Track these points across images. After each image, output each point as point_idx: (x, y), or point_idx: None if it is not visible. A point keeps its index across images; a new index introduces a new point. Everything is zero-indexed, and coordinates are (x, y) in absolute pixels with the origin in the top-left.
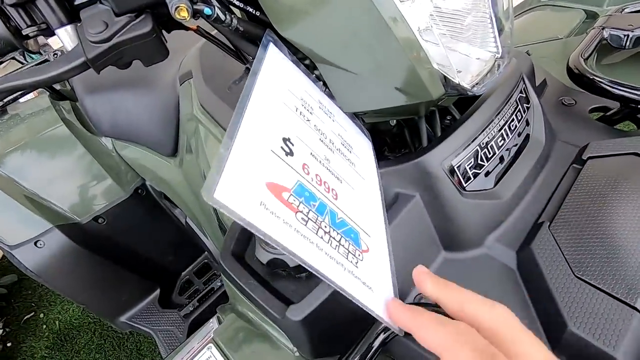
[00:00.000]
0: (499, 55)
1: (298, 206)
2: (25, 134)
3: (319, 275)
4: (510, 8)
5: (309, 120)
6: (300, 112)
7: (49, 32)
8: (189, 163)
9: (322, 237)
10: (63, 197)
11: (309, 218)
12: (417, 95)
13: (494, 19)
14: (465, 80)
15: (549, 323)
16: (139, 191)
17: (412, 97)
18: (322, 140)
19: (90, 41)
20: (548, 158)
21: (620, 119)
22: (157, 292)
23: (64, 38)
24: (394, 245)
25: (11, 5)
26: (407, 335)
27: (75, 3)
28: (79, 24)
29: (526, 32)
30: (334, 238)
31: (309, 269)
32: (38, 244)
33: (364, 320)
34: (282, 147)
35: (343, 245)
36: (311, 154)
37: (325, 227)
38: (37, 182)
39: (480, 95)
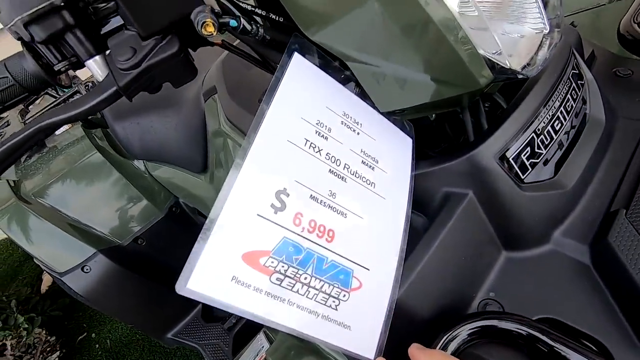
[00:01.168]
0: (547, 31)
1: (276, 267)
2: (64, 165)
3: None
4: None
5: (320, 151)
6: (311, 144)
7: (79, 65)
8: (220, 177)
9: (297, 291)
10: (103, 221)
11: (286, 276)
12: (461, 84)
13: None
14: (513, 62)
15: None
16: (174, 209)
17: (455, 88)
18: (331, 171)
19: (120, 69)
20: (611, 137)
21: None
22: (200, 306)
23: (94, 69)
24: (450, 251)
25: (41, 43)
26: None
27: (102, 32)
28: (107, 53)
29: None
30: (313, 287)
31: (273, 326)
32: (85, 269)
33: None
34: (272, 205)
35: (324, 292)
36: (311, 196)
37: (306, 278)
38: (78, 209)
39: (529, 78)
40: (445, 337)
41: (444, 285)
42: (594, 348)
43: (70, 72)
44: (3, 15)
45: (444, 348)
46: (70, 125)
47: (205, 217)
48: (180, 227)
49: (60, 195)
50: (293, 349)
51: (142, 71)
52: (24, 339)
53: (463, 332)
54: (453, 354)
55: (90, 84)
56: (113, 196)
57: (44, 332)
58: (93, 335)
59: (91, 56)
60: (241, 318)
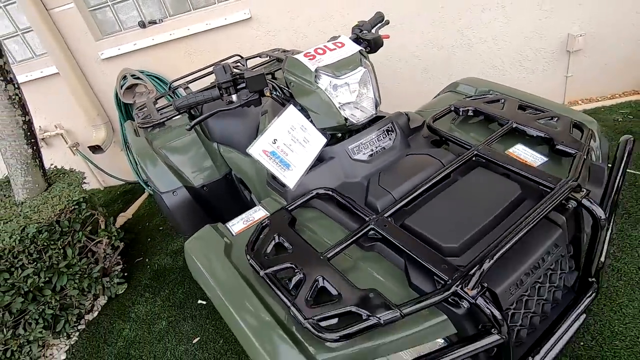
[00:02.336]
0: (374, 113)
1: (270, 152)
2: (175, 136)
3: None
4: (377, 96)
5: (291, 131)
6: (290, 128)
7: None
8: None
9: (275, 159)
10: (188, 171)
11: (272, 157)
12: (339, 125)
13: (373, 99)
14: (354, 120)
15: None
16: (227, 176)
17: (338, 126)
18: (292, 140)
19: (242, 99)
20: (399, 158)
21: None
22: None
23: (235, 98)
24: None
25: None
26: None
27: (237, 87)
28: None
29: (433, 103)
30: (280, 162)
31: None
32: (174, 193)
33: None
34: (269, 142)
35: (281, 165)
36: (284, 143)
37: (278, 161)
38: (177, 161)
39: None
40: None
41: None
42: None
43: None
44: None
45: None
46: (181, 117)
47: (245, 185)
48: (228, 188)
49: (170, 152)
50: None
51: (247, 102)
52: (112, 242)
53: None
54: None
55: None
56: (196, 159)
57: (115, 252)
58: (146, 260)
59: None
60: None
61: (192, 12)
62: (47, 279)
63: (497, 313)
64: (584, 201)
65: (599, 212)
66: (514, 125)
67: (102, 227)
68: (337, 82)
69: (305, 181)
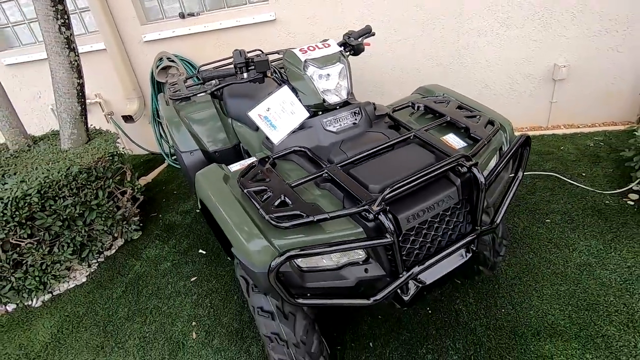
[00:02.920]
0: (346, 99)
1: (263, 116)
2: (198, 109)
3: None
4: (349, 86)
5: (282, 104)
6: (282, 102)
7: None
8: (261, 133)
9: (266, 120)
10: (205, 138)
11: (265, 119)
12: (319, 104)
13: (347, 88)
14: (330, 101)
15: None
16: (236, 146)
17: (318, 104)
18: (282, 110)
19: (250, 76)
20: (361, 133)
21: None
22: None
23: (245, 75)
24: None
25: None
26: None
27: (248, 68)
28: (248, 73)
29: (401, 100)
30: (269, 122)
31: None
32: (191, 154)
33: None
34: (267, 109)
35: (271, 124)
36: (275, 111)
37: (267, 123)
38: (198, 129)
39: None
40: None
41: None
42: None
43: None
44: None
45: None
46: (205, 93)
47: (250, 155)
48: (236, 156)
49: (192, 121)
50: None
51: (254, 80)
52: (134, 193)
53: None
54: None
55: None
56: (213, 130)
57: (136, 203)
58: (160, 215)
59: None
60: None
61: (225, 9)
62: (80, 212)
63: (390, 225)
64: (473, 169)
65: (481, 178)
66: (449, 118)
67: (128, 179)
68: (321, 72)
69: (287, 141)
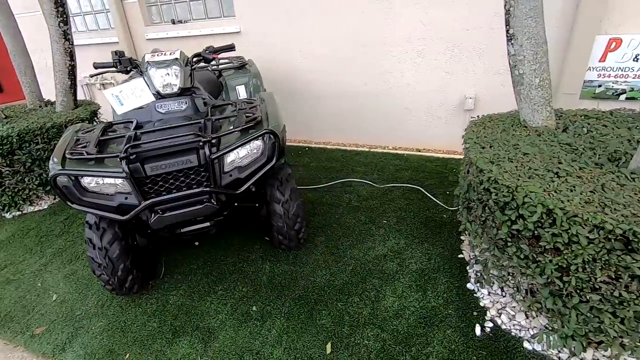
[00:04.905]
0: (177, 91)
1: (116, 95)
2: None
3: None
4: (181, 83)
5: (133, 90)
6: (134, 88)
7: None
8: None
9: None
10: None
11: (120, 98)
12: (157, 93)
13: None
14: (167, 93)
15: None
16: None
17: (156, 94)
18: (132, 93)
19: (119, 68)
20: (184, 118)
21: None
22: None
23: (119, 67)
24: None
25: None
26: None
27: (121, 62)
28: (120, 65)
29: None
30: (118, 102)
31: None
32: None
33: None
34: (120, 91)
35: (118, 103)
36: (125, 94)
37: (117, 100)
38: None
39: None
40: None
41: None
42: None
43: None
44: None
45: None
46: None
47: None
48: None
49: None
50: None
51: (120, 70)
52: None
53: None
54: None
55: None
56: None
57: None
58: None
59: (120, 65)
60: None
61: (205, 20)
62: (48, 156)
63: (126, 168)
64: (205, 147)
65: (208, 153)
66: (236, 114)
67: None
68: (157, 71)
69: (129, 114)
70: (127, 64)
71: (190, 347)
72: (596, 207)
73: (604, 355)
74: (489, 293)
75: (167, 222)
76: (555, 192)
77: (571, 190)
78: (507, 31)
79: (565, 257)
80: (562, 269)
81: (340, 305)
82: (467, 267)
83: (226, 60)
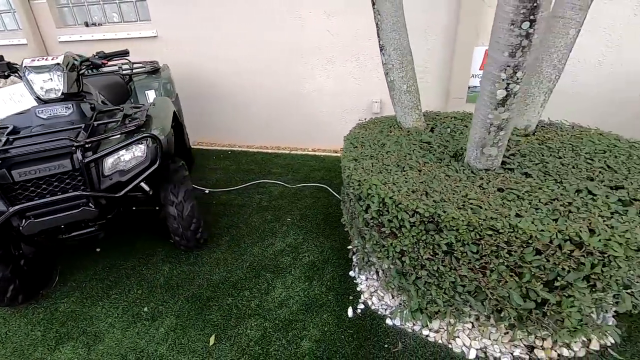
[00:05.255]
0: (61, 96)
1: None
2: None
3: None
4: (65, 87)
5: (12, 95)
6: (13, 93)
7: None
8: None
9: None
10: None
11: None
12: (37, 98)
13: (61, 89)
14: (49, 97)
15: None
16: None
17: (37, 98)
18: (11, 98)
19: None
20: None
21: None
22: None
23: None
24: None
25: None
26: None
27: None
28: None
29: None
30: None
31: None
32: None
33: None
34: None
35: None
36: (2, 98)
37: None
38: None
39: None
40: None
41: None
42: None
43: None
44: None
45: None
46: None
47: None
48: None
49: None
50: None
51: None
52: None
53: None
54: None
55: None
56: None
57: None
58: None
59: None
60: None
61: (121, 23)
62: None
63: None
64: (77, 152)
65: (81, 158)
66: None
67: None
68: (36, 76)
69: (7, 119)
70: (4, 69)
71: (72, 352)
72: (420, 195)
73: (447, 324)
74: (367, 279)
75: (40, 227)
76: (393, 184)
77: (405, 182)
78: (379, 42)
79: (400, 239)
80: (401, 251)
81: (230, 300)
82: (352, 256)
83: (140, 65)
